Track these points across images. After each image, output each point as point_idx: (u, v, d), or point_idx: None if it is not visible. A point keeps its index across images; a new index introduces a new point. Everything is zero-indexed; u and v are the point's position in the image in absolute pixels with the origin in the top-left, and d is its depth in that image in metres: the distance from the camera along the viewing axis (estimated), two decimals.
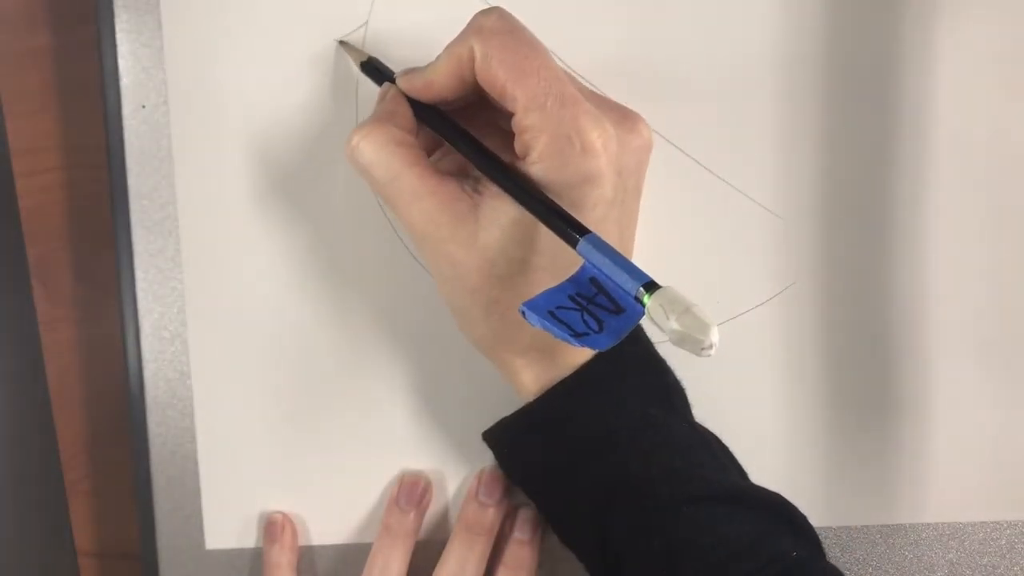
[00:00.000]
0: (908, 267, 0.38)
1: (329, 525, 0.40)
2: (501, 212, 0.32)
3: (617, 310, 0.28)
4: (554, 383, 0.34)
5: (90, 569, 0.43)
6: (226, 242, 0.39)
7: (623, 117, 0.33)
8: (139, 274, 0.39)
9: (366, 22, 0.38)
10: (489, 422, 0.36)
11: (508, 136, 0.33)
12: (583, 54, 0.37)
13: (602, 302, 0.28)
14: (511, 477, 0.37)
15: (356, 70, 0.37)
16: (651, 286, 0.27)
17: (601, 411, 0.33)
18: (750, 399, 0.39)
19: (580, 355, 0.34)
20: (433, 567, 0.38)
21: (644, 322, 0.27)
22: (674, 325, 0.26)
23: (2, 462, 0.41)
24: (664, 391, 0.35)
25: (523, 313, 0.28)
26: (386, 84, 0.35)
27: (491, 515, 0.38)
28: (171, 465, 0.40)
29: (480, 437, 0.37)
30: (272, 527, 0.39)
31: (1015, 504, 0.39)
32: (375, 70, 0.36)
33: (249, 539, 0.40)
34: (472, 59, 0.31)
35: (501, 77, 0.31)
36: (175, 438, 0.39)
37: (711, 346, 0.26)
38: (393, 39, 0.38)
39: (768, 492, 0.34)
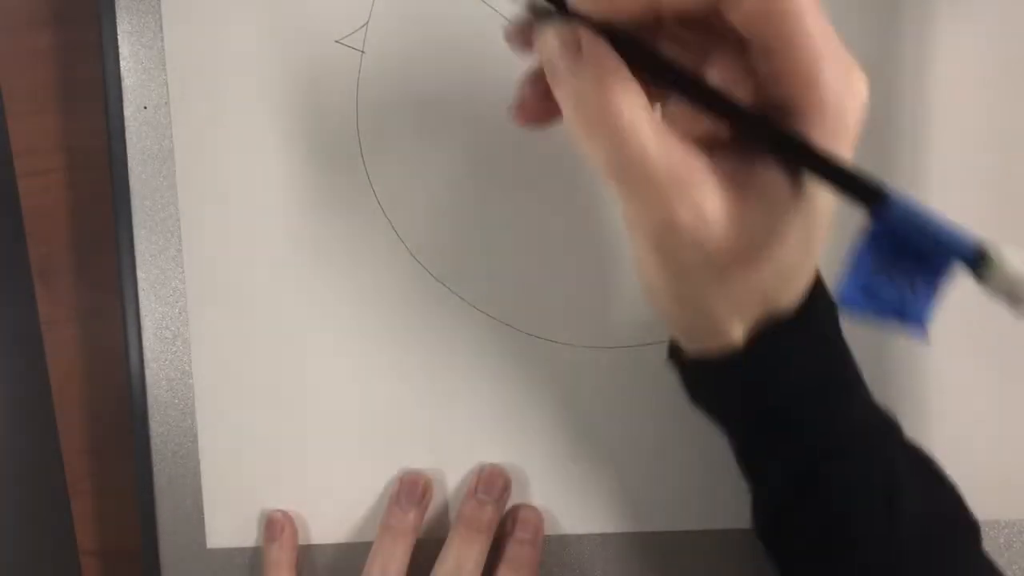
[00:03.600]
0: None
1: (329, 524, 0.40)
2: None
3: (924, 274, 0.24)
4: (768, 325, 0.29)
5: (92, 568, 0.43)
6: (227, 242, 0.39)
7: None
8: (141, 274, 0.39)
9: (366, 22, 0.38)
10: (489, 420, 0.36)
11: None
12: None
13: (904, 266, 0.25)
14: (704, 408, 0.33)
15: (356, 73, 0.37)
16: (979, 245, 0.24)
17: (826, 356, 0.31)
18: None
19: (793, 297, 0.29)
20: (433, 565, 0.38)
21: None
22: None
23: (4, 461, 0.41)
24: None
25: (843, 305, 0.24)
26: (550, 26, 0.26)
27: (490, 512, 0.38)
28: (172, 464, 0.40)
29: (479, 437, 0.37)
30: (272, 525, 0.39)
31: (1013, 503, 0.39)
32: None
33: (249, 538, 0.40)
34: None
35: None
36: (176, 437, 0.40)
37: None
38: (393, 40, 0.38)
39: None
